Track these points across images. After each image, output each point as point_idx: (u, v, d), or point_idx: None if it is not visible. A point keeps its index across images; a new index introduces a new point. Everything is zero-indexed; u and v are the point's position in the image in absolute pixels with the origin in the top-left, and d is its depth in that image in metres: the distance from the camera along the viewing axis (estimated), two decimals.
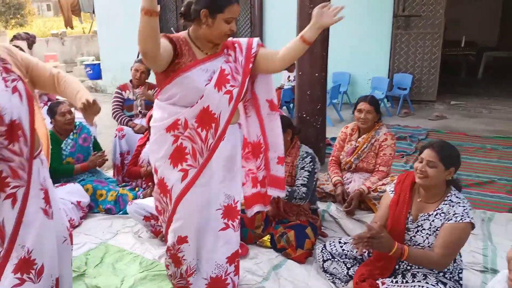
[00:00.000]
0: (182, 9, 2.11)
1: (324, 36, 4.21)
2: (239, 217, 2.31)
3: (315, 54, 4.22)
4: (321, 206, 3.67)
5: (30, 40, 12.34)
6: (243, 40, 2.24)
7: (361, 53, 7.27)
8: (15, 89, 1.78)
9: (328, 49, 4.34)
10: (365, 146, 3.62)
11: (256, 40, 2.24)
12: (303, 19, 4.17)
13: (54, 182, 3.67)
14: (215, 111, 2.09)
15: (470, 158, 4.83)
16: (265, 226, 3.21)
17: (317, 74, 4.28)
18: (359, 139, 3.67)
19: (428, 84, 7.22)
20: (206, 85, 2.06)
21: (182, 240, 2.25)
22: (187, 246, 2.26)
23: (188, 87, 2.05)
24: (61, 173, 3.73)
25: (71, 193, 3.56)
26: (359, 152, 3.64)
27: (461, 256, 2.49)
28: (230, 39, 2.23)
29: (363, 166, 3.65)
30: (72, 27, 14.82)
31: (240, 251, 3.02)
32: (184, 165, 2.13)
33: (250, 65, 2.17)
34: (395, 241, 2.25)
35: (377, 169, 3.57)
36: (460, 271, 2.42)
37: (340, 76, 7.45)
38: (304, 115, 4.42)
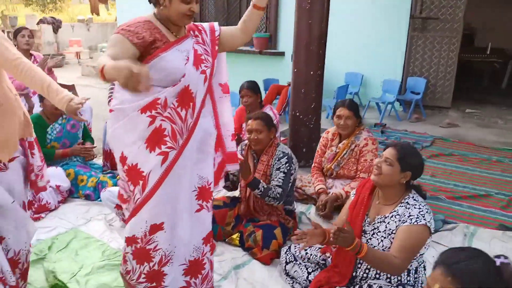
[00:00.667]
0: None
1: (321, 33, 4.09)
2: (212, 197, 2.28)
3: (311, 51, 4.10)
4: (301, 208, 3.58)
5: (56, 25, 12.60)
6: (205, 24, 2.26)
7: (375, 54, 7.06)
8: None
9: (326, 47, 4.21)
10: (345, 152, 3.49)
11: (216, 23, 2.28)
12: (301, 13, 4.07)
13: None
14: (193, 91, 2.08)
15: (471, 169, 4.62)
16: (236, 223, 3.15)
17: (312, 73, 4.16)
18: (340, 145, 3.54)
19: (443, 90, 6.96)
20: (185, 64, 2.05)
21: (156, 228, 2.14)
22: (162, 234, 2.15)
23: (167, 68, 2.01)
24: (46, 156, 3.74)
25: (51, 177, 3.49)
26: (339, 158, 3.52)
27: (425, 269, 2.37)
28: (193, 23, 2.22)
29: (344, 173, 3.52)
30: (98, 14, 15.04)
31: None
32: (164, 148, 2.05)
33: (216, 47, 2.21)
34: (356, 238, 2.17)
35: (358, 175, 3.44)
36: (422, 284, 2.30)
37: (353, 77, 7.27)
38: (298, 114, 4.31)
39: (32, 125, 2.40)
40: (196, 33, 2.18)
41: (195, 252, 2.24)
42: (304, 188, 3.69)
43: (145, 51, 1.98)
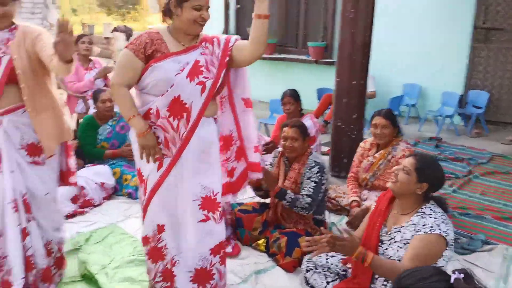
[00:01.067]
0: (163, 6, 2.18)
1: (365, 43, 4.03)
2: (220, 209, 2.31)
3: (354, 60, 4.06)
4: (333, 218, 3.55)
5: (128, 33, 13.33)
6: (222, 36, 2.29)
7: (435, 65, 6.79)
8: None
9: (370, 56, 4.14)
10: (381, 162, 3.41)
11: (235, 36, 2.27)
12: (344, 22, 4.05)
13: (87, 163, 4.00)
14: (187, 101, 2.14)
15: None
16: (263, 229, 3.18)
17: (354, 82, 4.11)
18: (376, 155, 3.47)
19: (508, 105, 6.54)
20: (176, 75, 2.11)
21: (161, 228, 2.31)
22: (167, 235, 2.30)
23: (158, 77, 2.11)
24: (92, 156, 4.02)
25: (98, 174, 3.81)
26: (375, 169, 3.44)
27: None
28: (210, 34, 2.27)
29: (379, 184, 3.43)
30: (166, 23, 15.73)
31: (231, 248, 3.05)
32: None
33: (227, 58, 2.20)
34: (360, 246, 2.14)
35: None
36: None
37: (410, 88, 7.04)
38: (339, 124, 4.27)
39: (71, 130, 2.64)
40: (207, 44, 2.21)
41: (202, 261, 2.29)
42: (338, 199, 3.64)
43: (147, 63, 2.12)
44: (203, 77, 2.15)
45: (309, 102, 7.12)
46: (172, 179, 2.21)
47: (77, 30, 16.30)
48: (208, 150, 2.25)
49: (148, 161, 2.17)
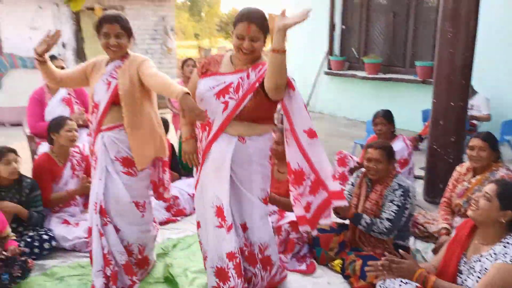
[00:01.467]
0: None
1: (465, 63, 3.81)
2: (227, 222, 2.37)
3: (453, 81, 3.85)
4: (420, 245, 3.37)
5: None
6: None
7: None
8: (108, 83, 2.62)
9: (471, 77, 3.90)
10: (476, 188, 3.16)
11: None
12: (442, 41, 3.88)
13: (183, 175, 4.31)
14: (210, 116, 2.33)
15: None
16: (340, 249, 3.14)
17: (453, 104, 3.89)
18: (472, 180, 3.23)
19: None
20: (208, 91, 2.33)
21: (198, 225, 2.62)
22: (201, 231, 2.59)
23: (197, 92, 2.38)
24: (187, 168, 4.32)
25: (190, 186, 4.07)
26: (469, 194, 3.20)
27: None
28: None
29: None
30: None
31: (305, 266, 3.08)
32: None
33: (257, 84, 2.26)
34: (420, 268, 2.09)
35: None
36: None
37: None
38: (435, 147, 4.06)
39: (167, 148, 2.91)
40: (252, 69, 2.29)
41: (220, 261, 2.43)
42: (426, 225, 3.46)
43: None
44: (229, 97, 2.28)
45: (414, 123, 6.83)
46: (201, 184, 2.47)
47: (195, 54, 17.60)
48: (221, 165, 2.35)
49: (190, 165, 2.57)
